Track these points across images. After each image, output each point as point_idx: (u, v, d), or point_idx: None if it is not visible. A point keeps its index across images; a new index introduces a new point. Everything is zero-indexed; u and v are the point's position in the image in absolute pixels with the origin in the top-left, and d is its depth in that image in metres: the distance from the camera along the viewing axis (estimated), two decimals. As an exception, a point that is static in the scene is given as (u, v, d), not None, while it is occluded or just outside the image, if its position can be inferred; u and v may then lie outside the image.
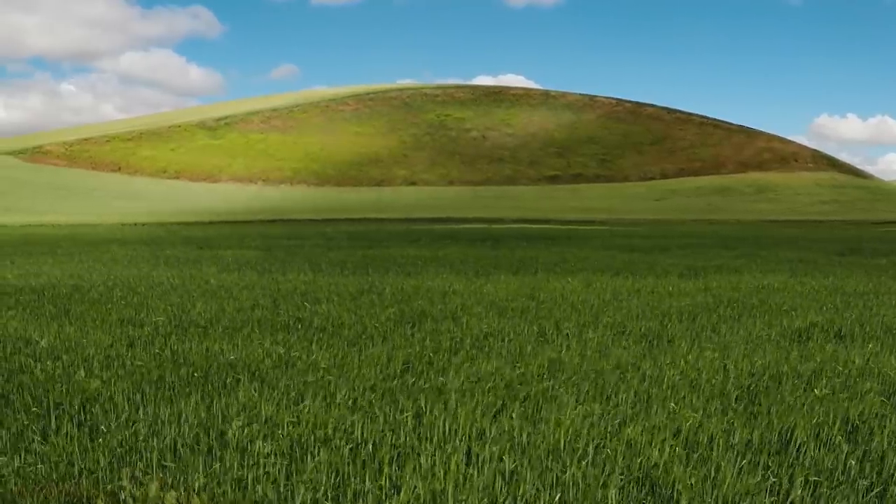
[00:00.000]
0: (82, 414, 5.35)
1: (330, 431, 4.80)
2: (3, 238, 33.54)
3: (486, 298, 11.54)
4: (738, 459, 4.57)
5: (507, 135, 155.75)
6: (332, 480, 4.12)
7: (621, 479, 4.24)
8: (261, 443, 4.60)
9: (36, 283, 13.50)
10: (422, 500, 3.86)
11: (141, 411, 5.36)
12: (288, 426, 4.90)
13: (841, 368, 6.98)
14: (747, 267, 18.89)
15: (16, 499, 4.08)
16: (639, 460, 4.49)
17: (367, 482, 4.07)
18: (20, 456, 4.57)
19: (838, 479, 4.41)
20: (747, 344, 8.20)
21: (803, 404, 5.70)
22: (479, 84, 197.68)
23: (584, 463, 4.37)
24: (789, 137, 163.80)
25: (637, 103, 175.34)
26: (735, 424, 5.22)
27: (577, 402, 5.64)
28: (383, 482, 4.07)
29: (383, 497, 3.97)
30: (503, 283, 13.82)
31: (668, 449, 4.66)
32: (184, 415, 5.21)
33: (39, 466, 4.42)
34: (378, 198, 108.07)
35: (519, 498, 3.94)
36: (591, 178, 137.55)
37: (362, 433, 4.79)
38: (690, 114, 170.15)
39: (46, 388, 5.95)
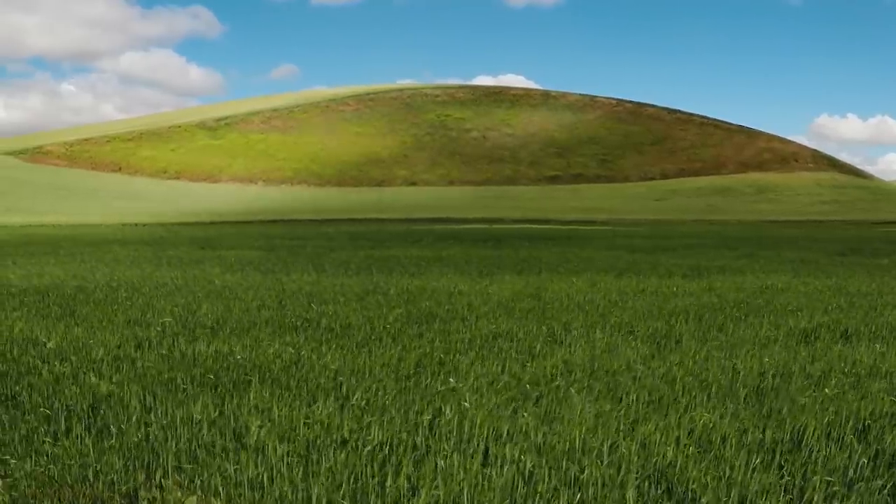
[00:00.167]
0: (93, 416, 5.32)
1: (346, 433, 4.79)
2: (5, 238, 33.51)
3: (493, 299, 11.55)
4: (752, 458, 4.58)
5: (508, 135, 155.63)
6: (351, 483, 4.11)
7: (637, 479, 4.25)
8: (277, 444, 4.60)
9: (39, 284, 13.50)
10: (442, 502, 3.86)
11: (153, 413, 5.35)
12: (303, 427, 4.89)
13: (850, 368, 7.00)
14: (750, 267, 18.91)
15: (30, 502, 4.07)
16: (654, 460, 4.50)
17: (388, 483, 4.06)
18: (32, 458, 4.55)
19: (851, 478, 4.42)
20: (755, 344, 8.21)
21: (815, 404, 5.71)
22: (479, 84, 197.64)
23: (600, 462, 4.38)
24: (789, 137, 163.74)
25: (637, 103, 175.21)
26: (747, 424, 5.24)
27: (589, 401, 5.65)
28: (401, 482, 4.06)
29: (401, 498, 3.96)
30: (508, 284, 13.83)
31: (682, 448, 4.67)
32: (196, 416, 5.20)
33: (52, 468, 4.41)
34: (379, 198, 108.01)
35: (539, 498, 3.94)
36: (592, 179, 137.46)
37: (378, 434, 4.78)
38: (691, 114, 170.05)
39: (55, 389, 5.94)
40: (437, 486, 3.98)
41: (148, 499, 3.96)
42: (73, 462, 4.49)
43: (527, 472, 4.25)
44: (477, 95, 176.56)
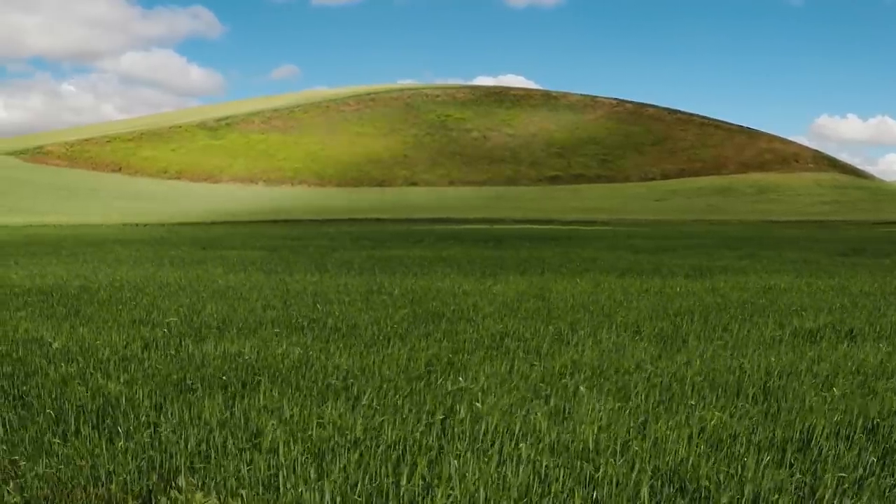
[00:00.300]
0: (101, 417, 5.31)
1: (360, 433, 4.79)
2: (6, 239, 33.52)
3: (497, 299, 11.56)
4: (763, 456, 4.59)
5: (508, 135, 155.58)
6: (365, 483, 4.11)
7: (650, 477, 4.26)
8: (291, 444, 4.60)
9: (42, 284, 13.50)
10: (458, 502, 3.86)
11: (164, 414, 5.34)
12: (316, 427, 4.89)
13: (856, 368, 7.01)
14: (752, 267, 18.93)
15: (42, 504, 4.05)
16: (666, 458, 4.51)
17: (403, 483, 4.06)
18: (42, 459, 4.53)
19: (861, 476, 4.43)
20: (760, 344, 8.22)
21: (823, 403, 5.72)
22: (479, 84, 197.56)
23: (614, 461, 4.39)
24: (790, 138, 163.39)
25: (638, 104, 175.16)
26: (756, 422, 5.25)
27: (600, 401, 5.66)
28: (416, 482, 4.07)
29: (416, 497, 3.97)
30: (512, 284, 13.85)
31: (693, 446, 4.68)
32: (207, 417, 5.20)
33: (63, 469, 4.39)
34: (379, 198, 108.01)
35: (554, 497, 3.95)
36: (592, 179, 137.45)
37: (391, 434, 4.79)
38: (691, 114, 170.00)
39: (63, 390, 5.92)
40: (452, 487, 3.98)
41: (164, 500, 3.94)
42: (84, 463, 4.47)
43: (542, 471, 4.26)
44: (477, 96, 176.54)
